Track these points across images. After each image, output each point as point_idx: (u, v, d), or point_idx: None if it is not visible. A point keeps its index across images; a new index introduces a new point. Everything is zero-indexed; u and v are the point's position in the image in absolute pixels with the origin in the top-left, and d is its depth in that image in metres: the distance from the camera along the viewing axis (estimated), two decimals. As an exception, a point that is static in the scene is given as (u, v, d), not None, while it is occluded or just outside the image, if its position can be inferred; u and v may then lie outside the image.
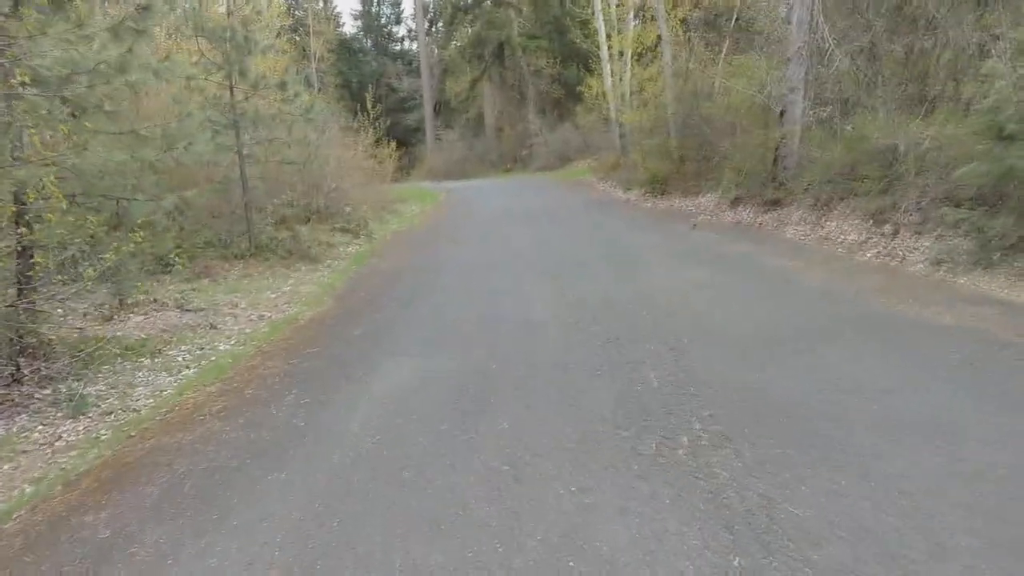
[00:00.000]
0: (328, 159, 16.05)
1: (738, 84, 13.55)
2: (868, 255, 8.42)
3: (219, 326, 8.18)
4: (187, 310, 8.88)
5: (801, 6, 11.25)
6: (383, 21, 47.67)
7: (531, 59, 33.36)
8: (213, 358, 6.61)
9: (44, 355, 6.21)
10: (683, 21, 18.06)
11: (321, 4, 42.37)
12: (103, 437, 4.71)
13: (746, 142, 12.74)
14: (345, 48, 43.55)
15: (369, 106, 20.55)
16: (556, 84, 33.73)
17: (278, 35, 27.80)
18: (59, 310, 8.21)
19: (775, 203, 11.39)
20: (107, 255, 6.97)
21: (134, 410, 5.22)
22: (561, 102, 33.51)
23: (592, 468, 3.50)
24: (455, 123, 38.89)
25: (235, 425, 4.56)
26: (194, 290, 10.02)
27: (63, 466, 4.30)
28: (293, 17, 37.50)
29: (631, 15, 20.79)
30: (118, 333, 7.77)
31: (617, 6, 21.15)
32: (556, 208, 16.58)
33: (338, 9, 45.91)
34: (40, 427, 4.98)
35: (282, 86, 12.61)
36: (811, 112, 11.44)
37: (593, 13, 21.89)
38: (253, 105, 12.49)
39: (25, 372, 5.67)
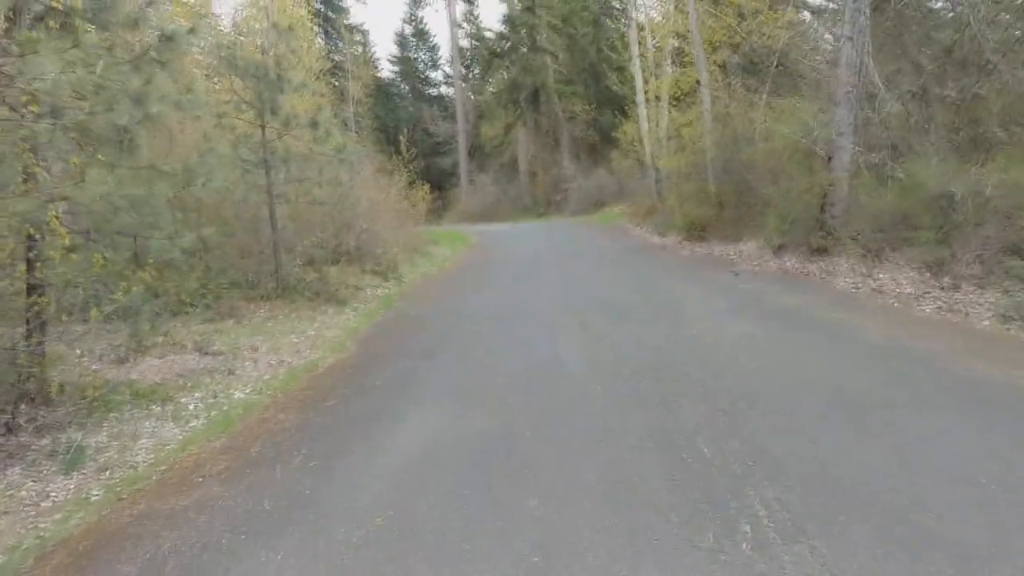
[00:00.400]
0: (360, 200, 15.78)
1: (782, 128, 13.04)
2: (927, 309, 7.77)
3: (237, 371, 7.75)
4: (206, 353, 8.47)
5: (850, 47, 10.76)
6: (420, 66, 48.12)
7: (566, 104, 33.23)
8: (225, 407, 6.15)
9: (45, 401, 5.80)
10: (722, 66, 17.65)
11: (360, 49, 42.87)
12: (93, 498, 4.23)
13: (790, 188, 12.17)
14: (382, 92, 43.92)
15: (403, 149, 20.35)
16: (591, 129, 33.51)
17: (316, 78, 28.00)
18: (77, 351, 7.88)
19: (822, 251, 10.77)
20: (115, 295, 6.61)
21: (132, 466, 4.75)
22: (596, 147, 33.25)
23: (641, 565, 2.94)
24: (489, 167, 38.79)
25: (234, 490, 4.06)
26: (217, 331, 9.63)
27: (42, 532, 3.82)
28: (332, 61, 37.92)
29: (668, 60, 20.46)
30: (132, 377, 7.37)
31: (655, 51, 20.88)
32: (590, 253, 16.10)
33: (376, 55, 46.32)
34: (30, 483, 4.52)
35: (314, 125, 12.37)
36: (860, 157, 10.86)
37: (630, 59, 21.65)
38: (284, 144, 12.25)
39: (21, 421, 5.24)
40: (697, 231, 15.38)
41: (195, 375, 7.50)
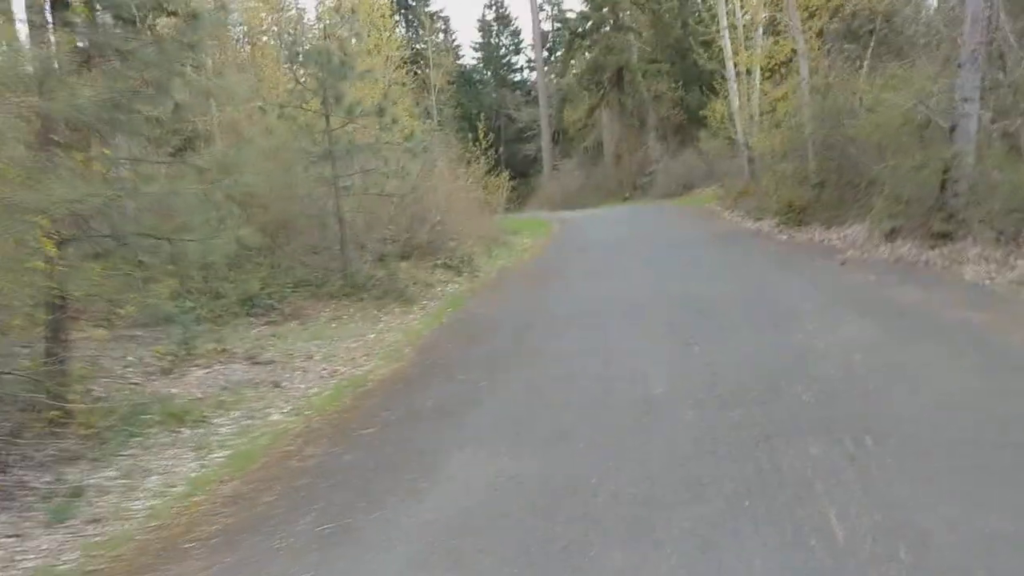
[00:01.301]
0: (434, 191, 14.98)
1: (893, 97, 11.45)
2: (1089, 307, 6.34)
3: (284, 383, 7.04)
4: (256, 362, 7.79)
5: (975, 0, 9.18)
6: (502, 52, 47.15)
7: (651, 84, 31.57)
8: (256, 434, 5.39)
9: (58, 427, 5.14)
10: (819, 33, 15.88)
11: (441, 36, 42.24)
12: (61, 567, 3.47)
13: (902, 164, 10.62)
14: (464, 79, 43.17)
15: (481, 135, 19.43)
16: (677, 109, 31.77)
17: (397, 67, 27.39)
18: (116, 364, 7.32)
19: (943, 236, 9.25)
20: (147, 301, 5.95)
21: (125, 517, 3.99)
22: (683, 127, 31.52)
23: None
24: (573, 152, 37.55)
25: (220, 567, 3.21)
26: (276, 336, 8.98)
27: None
28: (413, 50, 37.38)
29: (759, 30, 18.74)
30: (173, 391, 6.74)
31: (744, 24, 19.19)
32: (680, 240, 14.81)
33: (458, 42, 45.60)
34: (7, 538, 3.81)
35: (380, 112, 11.59)
36: (991, 126, 9.29)
37: (719, 30, 20.04)
38: (348, 134, 11.52)
39: (12, 457, 4.56)
40: (795, 215, 13.87)
41: (239, 388, 6.83)
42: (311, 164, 11.56)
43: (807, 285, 8.64)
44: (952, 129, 9.55)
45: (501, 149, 43.55)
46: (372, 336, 8.92)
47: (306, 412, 5.84)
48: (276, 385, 6.95)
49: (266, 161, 11.94)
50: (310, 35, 18.08)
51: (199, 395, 6.68)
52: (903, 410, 4.10)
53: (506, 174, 22.17)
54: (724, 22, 19.91)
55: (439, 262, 12.88)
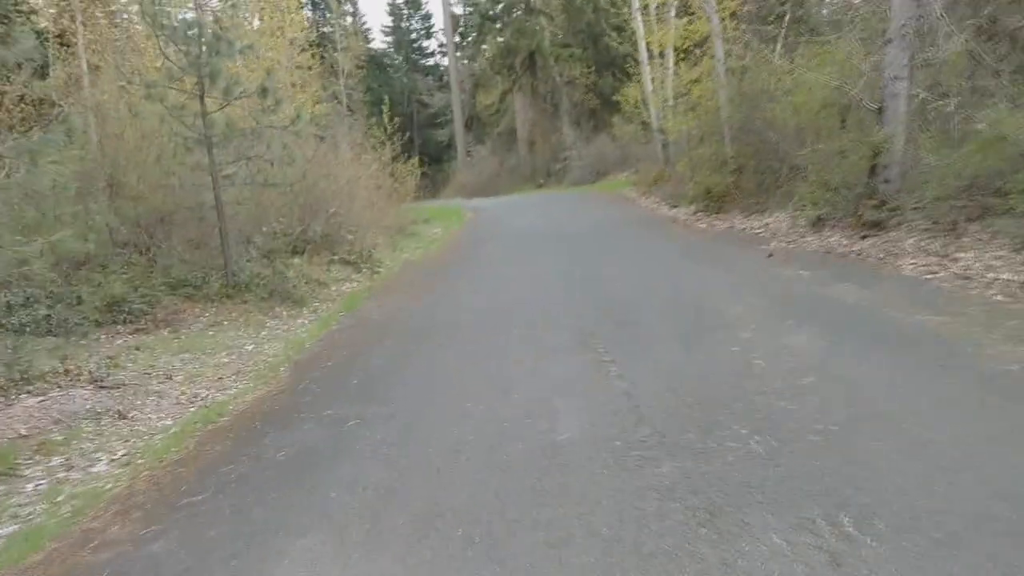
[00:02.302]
0: (332, 178, 13.61)
1: (817, 77, 10.74)
2: (1044, 303, 5.61)
3: (133, 413, 5.74)
4: (102, 386, 6.40)
5: (905, -28, 8.47)
6: (413, 36, 45.49)
7: (564, 68, 30.66)
8: (64, 497, 4.09)
9: None
10: (733, 15, 15.16)
11: (349, 20, 40.32)
12: None
13: (826, 149, 9.92)
14: (375, 64, 41.38)
15: (386, 118, 18.04)
16: (590, 94, 30.99)
17: (302, 50, 25.60)
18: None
19: (875, 225, 8.55)
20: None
21: None
22: (596, 112, 30.79)
23: None
24: (487, 138, 36.40)
25: None
26: (138, 349, 7.58)
27: None
28: (319, 32, 35.42)
29: (672, 12, 17.94)
30: (-8, 427, 5.34)
31: (657, 4, 18.35)
32: (595, 229, 13.88)
33: (368, 25, 43.71)
34: None
35: (263, 93, 10.17)
36: (923, 107, 8.62)
37: (630, 13, 19.19)
38: (226, 116, 10.08)
39: None
40: (714, 202, 13.14)
41: (75, 422, 5.52)
42: (186, 151, 10.10)
43: (734, 282, 7.77)
44: (880, 110, 8.86)
45: (414, 135, 42.22)
46: (250, 347, 7.64)
47: (139, 460, 4.56)
48: (122, 416, 5.64)
49: (136, 150, 10.42)
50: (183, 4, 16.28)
51: (24, 432, 5.31)
52: (884, 469, 3.11)
53: (416, 160, 20.87)
54: (636, 3, 19.07)
55: (335, 257, 11.57)
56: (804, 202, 10.03)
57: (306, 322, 8.90)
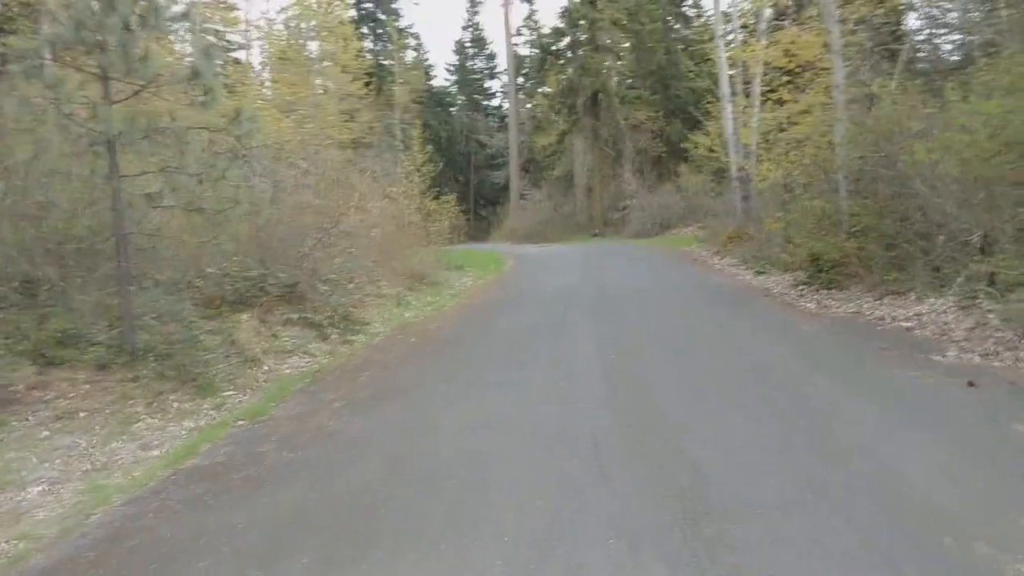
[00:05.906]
0: (322, 214, 10.13)
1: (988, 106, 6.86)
2: None
3: None
4: None
5: None
6: (477, 76, 42.61)
7: (629, 111, 26.99)
8: None
9: None
10: (862, 21, 11.09)
11: (412, 54, 37.64)
12: None
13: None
14: (435, 101, 38.48)
15: (416, 147, 14.61)
16: (657, 140, 27.24)
17: (354, 79, 22.74)
18: None
19: None
20: None
21: None
22: (661, 160, 26.99)
23: None
24: (543, 182, 32.83)
25: None
26: None
27: None
28: (378, 62, 32.72)
29: (764, 26, 13.97)
30: None
31: (743, 12, 14.39)
32: (661, 300, 9.98)
33: (431, 61, 41.02)
34: None
35: (194, 77, 6.82)
36: None
37: (711, 38, 15.47)
38: (140, 108, 6.75)
39: None
40: (824, 273, 9.14)
41: None
42: (78, 154, 6.82)
43: (925, 444, 3.86)
44: None
45: (470, 175, 39.10)
46: (86, 468, 4.19)
47: None
48: None
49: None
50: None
51: None
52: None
53: (452, 197, 17.47)
54: (719, 28, 15.31)
55: (296, 317, 7.93)
56: (999, 287, 6.04)
57: (199, 426, 5.39)
